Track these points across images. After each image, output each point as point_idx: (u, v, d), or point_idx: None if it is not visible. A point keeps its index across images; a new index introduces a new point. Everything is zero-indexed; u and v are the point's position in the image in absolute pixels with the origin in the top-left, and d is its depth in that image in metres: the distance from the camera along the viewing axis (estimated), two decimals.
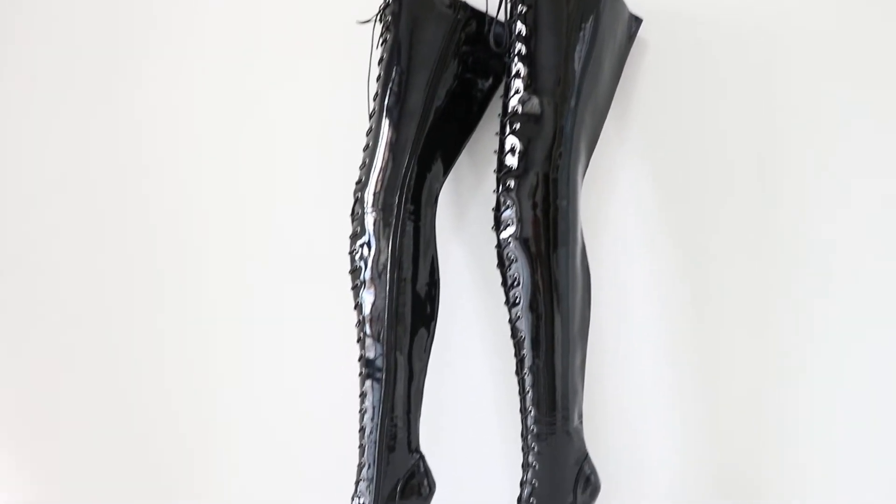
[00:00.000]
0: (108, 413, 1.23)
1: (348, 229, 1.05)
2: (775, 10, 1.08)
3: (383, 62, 1.05)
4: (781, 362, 1.10)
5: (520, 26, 0.98)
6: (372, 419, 1.02)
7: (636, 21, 1.06)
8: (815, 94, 1.08)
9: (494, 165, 0.99)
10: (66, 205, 1.24)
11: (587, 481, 1.01)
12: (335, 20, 1.15)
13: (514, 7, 0.99)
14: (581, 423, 1.02)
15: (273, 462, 1.19)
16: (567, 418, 1.00)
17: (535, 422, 0.99)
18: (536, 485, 0.99)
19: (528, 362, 0.99)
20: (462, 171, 1.13)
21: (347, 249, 1.04)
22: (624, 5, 1.04)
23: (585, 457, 1.02)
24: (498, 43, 1.01)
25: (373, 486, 1.02)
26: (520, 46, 0.98)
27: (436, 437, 1.11)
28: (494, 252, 0.99)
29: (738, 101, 1.09)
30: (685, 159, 1.10)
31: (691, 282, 1.11)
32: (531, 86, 0.98)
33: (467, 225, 1.14)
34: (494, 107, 1.06)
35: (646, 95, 1.10)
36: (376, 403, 1.02)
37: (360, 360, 1.04)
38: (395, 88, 1.04)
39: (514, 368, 1.00)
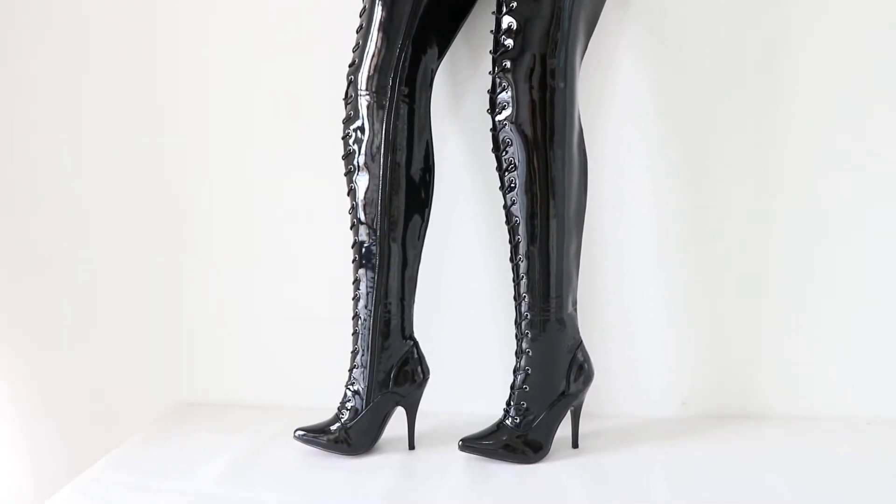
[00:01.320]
0: (107, 295, 1.22)
1: (342, 113, 1.03)
2: None
3: None
4: (781, 263, 1.09)
5: None
6: (365, 306, 1.02)
7: None
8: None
9: (491, 46, 0.97)
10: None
11: (580, 368, 1.01)
12: None
13: None
14: (575, 310, 1.01)
15: (268, 350, 1.20)
16: (561, 305, 0.99)
17: (529, 308, 0.99)
18: (529, 371, 0.99)
19: (522, 248, 0.98)
20: (458, 52, 1.09)
21: (340, 134, 1.03)
22: None
23: (579, 344, 1.01)
24: None
25: (366, 373, 1.02)
26: None
27: (430, 324, 1.10)
28: (490, 136, 0.98)
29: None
30: (686, 46, 1.07)
31: (689, 170, 1.09)
32: None
33: (463, 108, 1.11)
34: None
35: None
36: (369, 290, 1.02)
37: (353, 246, 1.03)
38: None
39: (508, 255, 1.00)
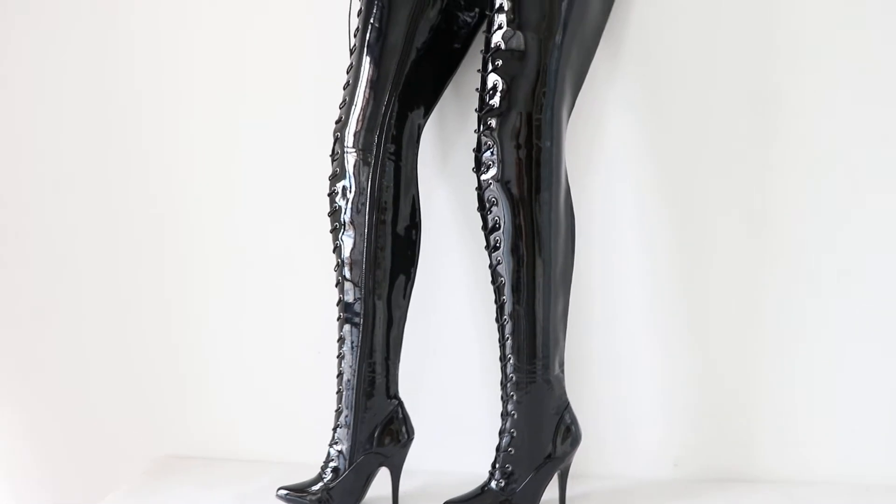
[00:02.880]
0: (95, 345, 1.22)
1: (328, 170, 1.02)
2: None
3: None
4: (775, 320, 1.07)
5: None
6: (350, 364, 1.01)
7: None
8: (815, 35, 1.03)
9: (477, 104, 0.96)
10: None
11: (567, 430, 0.99)
12: None
13: None
14: (563, 371, 0.99)
15: (251, 408, 1.18)
16: (547, 366, 0.97)
17: (515, 370, 0.97)
18: (515, 434, 0.97)
19: (507, 309, 0.96)
20: (446, 109, 1.08)
21: (327, 191, 1.02)
22: None
23: (566, 406, 0.99)
24: None
25: (350, 432, 1.00)
26: None
27: (415, 383, 1.09)
28: (471, 190, 0.96)
29: (734, 41, 1.04)
30: (676, 101, 1.05)
31: (680, 227, 1.07)
32: (515, 20, 0.93)
33: (450, 166, 1.10)
34: (479, 42, 1.01)
35: (637, 33, 1.04)
36: (354, 348, 1.00)
37: (338, 304, 1.01)
38: (376, 23, 1.00)
39: (494, 315, 0.98)
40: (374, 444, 1.01)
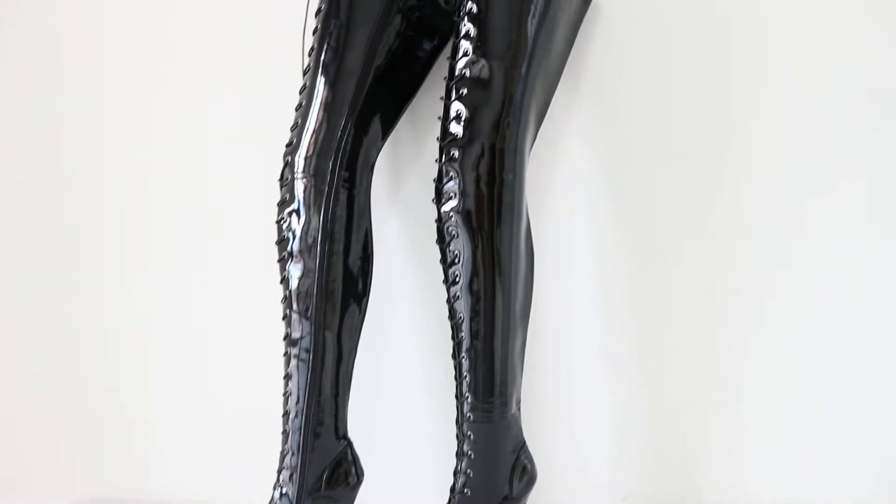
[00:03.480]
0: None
1: (276, 196, 0.97)
2: None
3: (321, 14, 0.96)
4: (722, 353, 1.07)
5: None
6: (297, 403, 0.95)
7: None
8: (773, 65, 1.04)
9: (437, 132, 0.92)
10: None
11: (524, 470, 0.96)
12: None
13: None
14: (519, 409, 0.97)
15: (191, 449, 1.11)
16: (505, 404, 0.94)
17: (472, 408, 0.93)
18: (471, 474, 0.93)
19: (465, 345, 0.93)
20: (401, 136, 1.05)
21: (274, 218, 0.96)
22: None
23: (523, 445, 0.96)
24: (447, 0, 0.94)
25: (297, 475, 0.94)
26: (470, 5, 0.91)
27: (365, 422, 1.04)
28: (433, 226, 0.93)
29: (694, 74, 1.04)
30: (636, 135, 1.05)
31: (636, 265, 1.06)
32: (480, 48, 0.90)
33: (404, 195, 1.07)
34: (438, 69, 0.98)
35: (598, 65, 1.04)
36: (302, 386, 0.95)
37: (284, 339, 0.95)
38: (333, 44, 0.95)
39: (450, 351, 0.95)
40: (323, 487, 0.95)
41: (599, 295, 1.07)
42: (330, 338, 0.95)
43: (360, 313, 0.98)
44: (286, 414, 0.95)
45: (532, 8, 0.91)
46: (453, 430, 0.95)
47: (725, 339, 1.07)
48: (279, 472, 0.95)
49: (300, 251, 0.95)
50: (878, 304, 1.04)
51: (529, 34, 0.91)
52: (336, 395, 0.96)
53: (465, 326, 0.93)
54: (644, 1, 1.03)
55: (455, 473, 0.94)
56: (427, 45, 1.00)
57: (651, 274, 1.07)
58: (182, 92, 1.10)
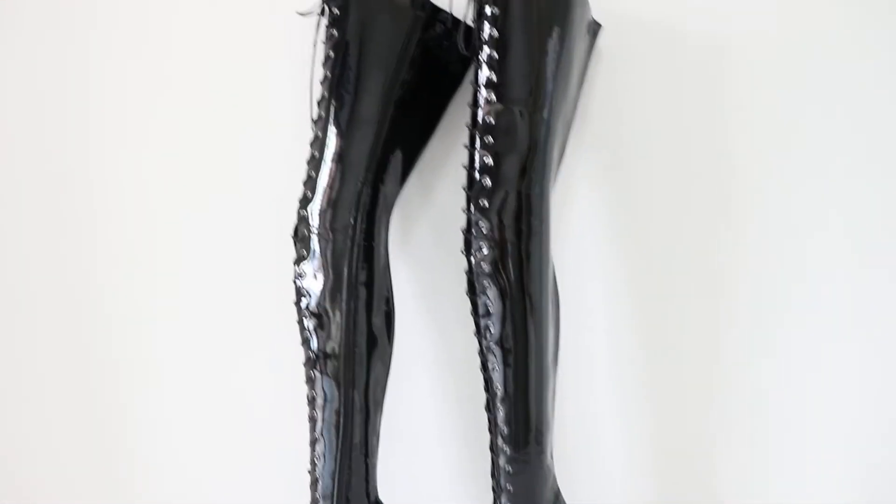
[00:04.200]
0: None
1: (289, 253, 0.92)
2: (727, 16, 1.05)
3: (329, 62, 0.92)
4: (735, 372, 1.07)
5: (489, 29, 0.89)
6: (325, 467, 0.90)
7: (597, 25, 1.00)
8: (769, 106, 1.05)
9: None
10: None
11: None
12: (270, 10, 1.01)
13: (482, 8, 0.90)
14: (552, 457, 0.95)
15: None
16: (541, 453, 0.92)
17: (510, 460, 0.91)
18: None
19: (500, 396, 0.91)
20: (411, 181, 1.02)
21: (291, 276, 0.92)
22: (589, 7, 0.97)
23: (558, 493, 0.95)
24: (466, 46, 0.92)
25: None
26: (489, 52, 0.89)
27: (395, 483, 1.00)
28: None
29: (695, 114, 1.05)
30: (642, 175, 1.05)
31: (645, 295, 1.06)
32: (503, 95, 0.89)
33: (413, 242, 1.03)
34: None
35: (603, 106, 1.03)
36: (332, 451, 0.90)
37: (310, 402, 0.91)
38: (345, 93, 0.91)
39: (476, 401, 0.92)
40: None
41: (611, 338, 1.06)
42: (358, 398, 0.92)
43: (385, 370, 0.94)
44: (315, 482, 0.91)
45: (549, 52, 0.90)
46: (486, 483, 0.93)
47: (735, 375, 1.07)
48: None
49: (323, 310, 0.91)
50: (883, 310, 1.06)
51: (548, 78, 0.91)
52: (366, 456, 0.92)
53: (499, 377, 0.90)
54: (641, 43, 1.03)
55: None
56: (442, 89, 0.98)
57: (660, 304, 1.06)
58: (185, 147, 1.05)
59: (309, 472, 0.91)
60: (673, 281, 1.07)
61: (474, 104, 0.90)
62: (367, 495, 0.92)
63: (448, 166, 1.02)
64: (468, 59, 0.97)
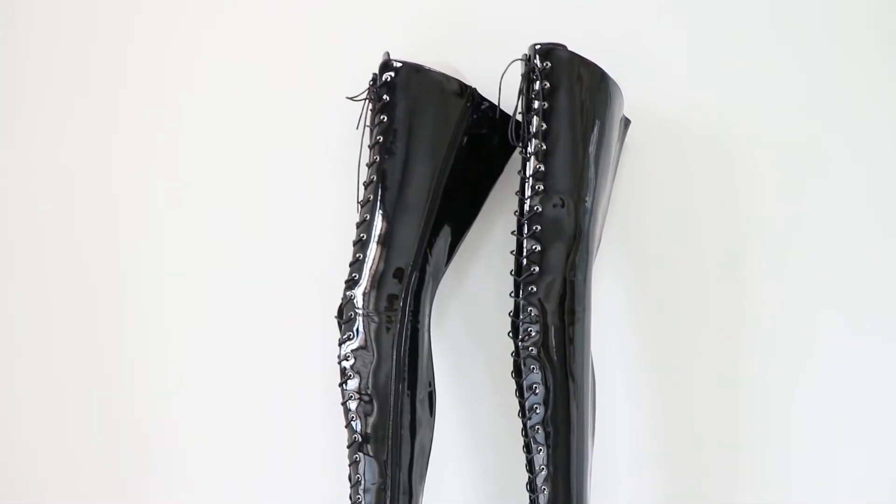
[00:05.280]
0: None
1: (333, 333, 0.93)
2: (743, 117, 1.12)
3: (378, 146, 0.94)
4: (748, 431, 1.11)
5: (537, 122, 0.93)
6: None
7: (627, 121, 1.06)
8: (780, 200, 1.12)
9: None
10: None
11: None
12: (318, 92, 1.03)
13: (530, 102, 0.94)
14: None
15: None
16: None
17: None
18: None
19: (544, 476, 0.93)
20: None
21: (336, 358, 0.92)
22: (623, 102, 1.02)
23: None
24: (516, 137, 0.95)
25: None
26: (537, 144, 0.93)
27: None
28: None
29: (709, 205, 1.11)
30: (662, 263, 1.10)
31: (666, 395, 1.10)
32: (550, 185, 0.93)
33: (450, 324, 1.06)
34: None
35: (623, 201, 1.09)
36: None
37: (353, 484, 0.91)
38: (393, 178, 0.93)
39: (517, 482, 0.94)
40: None
41: (630, 416, 1.09)
42: (403, 479, 0.92)
43: (428, 450, 0.95)
44: None
45: (591, 143, 0.95)
46: None
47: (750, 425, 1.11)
48: None
49: (371, 393, 0.91)
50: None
51: (591, 169, 0.95)
52: None
53: (544, 458, 0.93)
54: (661, 138, 1.10)
55: None
56: (484, 179, 1.01)
57: (682, 408, 1.10)
58: (236, 225, 1.06)
59: None
60: (690, 352, 1.11)
61: (522, 193, 0.93)
62: None
63: (480, 252, 1.06)
64: (510, 149, 1.01)
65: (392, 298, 0.93)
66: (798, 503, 1.13)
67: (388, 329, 0.92)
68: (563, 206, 0.93)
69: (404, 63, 0.95)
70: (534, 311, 0.92)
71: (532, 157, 0.94)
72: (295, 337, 1.04)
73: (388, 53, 0.96)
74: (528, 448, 0.94)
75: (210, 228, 1.06)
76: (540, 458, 0.93)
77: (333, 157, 1.02)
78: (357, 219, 0.95)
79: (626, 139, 1.06)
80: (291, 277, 1.05)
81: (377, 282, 0.93)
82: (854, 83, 1.11)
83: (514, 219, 0.94)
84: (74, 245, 1.08)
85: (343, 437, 0.92)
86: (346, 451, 0.92)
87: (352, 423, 0.92)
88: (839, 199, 1.11)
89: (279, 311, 1.04)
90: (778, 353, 1.10)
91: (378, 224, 0.94)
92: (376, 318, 0.92)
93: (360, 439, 0.91)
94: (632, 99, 1.02)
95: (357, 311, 0.92)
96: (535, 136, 0.93)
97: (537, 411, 0.93)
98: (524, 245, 0.93)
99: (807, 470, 1.11)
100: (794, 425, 1.10)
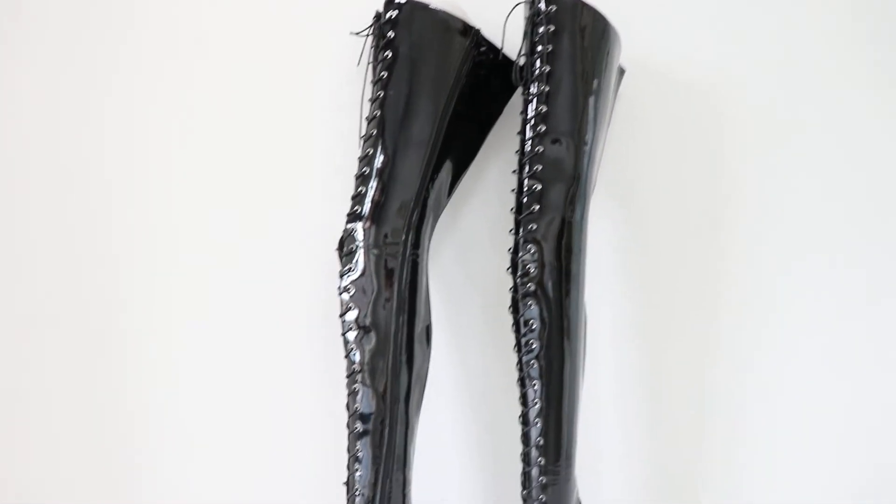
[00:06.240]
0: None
1: (333, 266, 0.94)
2: (730, 66, 1.15)
3: (381, 82, 0.95)
4: (724, 371, 1.15)
5: (540, 65, 0.95)
6: (370, 481, 0.92)
7: (622, 70, 1.08)
8: (763, 151, 1.17)
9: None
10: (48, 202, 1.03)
11: None
12: (322, 26, 1.02)
13: (534, 45, 0.95)
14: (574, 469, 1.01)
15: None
16: (570, 466, 0.98)
17: (543, 472, 0.96)
18: None
19: (537, 410, 0.95)
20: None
21: (337, 289, 0.93)
22: (621, 50, 1.04)
23: (579, 502, 1.01)
24: (520, 77, 0.97)
25: None
26: (542, 87, 0.95)
27: (425, 493, 1.03)
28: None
29: (697, 154, 1.15)
30: (650, 208, 1.13)
31: (649, 325, 1.15)
32: (552, 126, 0.95)
33: (444, 259, 1.07)
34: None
35: (617, 142, 1.12)
36: (376, 465, 0.91)
37: (353, 416, 0.92)
38: (397, 113, 0.94)
39: (509, 416, 0.96)
40: None
41: (613, 341, 1.12)
42: (400, 409, 0.94)
43: (424, 381, 0.97)
44: (356, 496, 0.92)
45: (592, 87, 0.97)
46: (509, 499, 0.97)
47: (725, 389, 1.16)
48: None
49: (371, 323, 0.92)
50: (879, 314, 1.17)
51: (591, 111, 0.97)
52: (404, 468, 0.94)
53: (538, 392, 0.95)
54: (655, 90, 1.12)
55: None
56: (488, 112, 1.03)
57: (662, 337, 1.15)
58: (230, 156, 1.04)
59: (345, 483, 0.92)
60: (674, 292, 1.15)
61: (524, 133, 0.95)
62: None
63: (475, 192, 1.07)
64: (510, 91, 1.03)
65: (393, 232, 0.94)
66: (780, 427, 1.18)
67: (388, 262, 0.93)
68: (563, 146, 0.95)
69: (409, 0, 0.96)
70: (533, 249, 0.94)
71: (534, 99, 0.95)
72: (296, 272, 1.04)
73: None
74: (522, 382, 0.96)
75: (213, 168, 1.05)
76: (533, 391, 0.96)
77: (335, 94, 1.02)
78: (359, 153, 0.96)
79: (620, 89, 1.08)
80: (296, 213, 1.05)
81: (379, 215, 0.94)
82: (842, 39, 1.15)
83: (508, 160, 0.95)
84: (65, 234, 1.06)
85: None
86: (345, 381, 0.93)
87: (350, 353, 0.93)
88: (822, 153, 1.15)
89: (282, 254, 1.05)
90: (759, 293, 1.15)
91: (381, 158, 0.94)
92: (377, 251, 0.93)
93: (359, 370, 0.92)
94: (627, 48, 1.05)
95: (358, 243, 0.93)
96: (538, 78, 0.95)
97: (533, 346, 0.95)
98: (525, 184, 0.95)
99: (783, 394, 1.16)
100: (774, 356, 1.15)
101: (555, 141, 0.95)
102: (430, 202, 0.97)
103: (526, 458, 0.97)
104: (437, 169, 0.97)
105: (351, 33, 0.97)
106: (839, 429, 1.17)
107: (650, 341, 1.15)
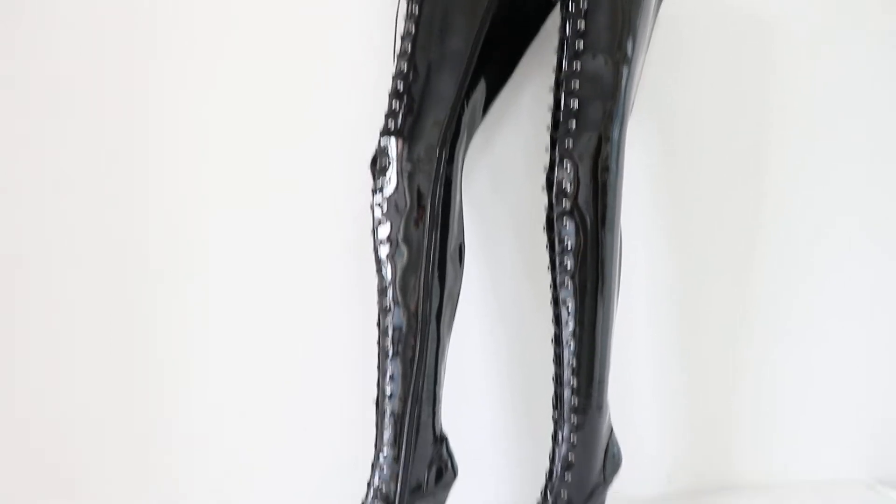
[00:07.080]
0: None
1: (365, 186, 0.93)
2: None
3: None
4: (756, 328, 1.15)
5: None
6: (401, 398, 0.91)
7: None
8: (809, 90, 1.13)
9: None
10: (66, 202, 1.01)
11: (613, 456, 0.99)
12: None
13: None
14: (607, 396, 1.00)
15: (277, 458, 1.05)
16: (602, 391, 0.97)
17: (576, 392, 0.95)
18: (573, 459, 0.95)
19: (570, 330, 0.94)
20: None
21: (369, 203, 0.92)
22: None
23: (612, 431, 1.00)
24: None
25: (399, 473, 0.91)
26: (581, 3, 0.93)
27: (450, 417, 1.02)
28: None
29: (734, 91, 1.12)
30: (683, 148, 1.11)
31: (679, 258, 1.13)
32: (591, 43, 0.92)
33: (477, 180, 1.06)
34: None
35: (656, 67, 1.09)
36: (407, 382, 0.91)
37: (383, 332, 0.92)
38: (433, 29, 0.92)
39: (540, 341, 0.95)
40: (423, 485, 0.93)
41: (648, 289, 1.12)
42: (433, 330, 0.93)
43: (457, 298, 0.96)
44: (388, 414, 0.91)
45: (633, 5, 0.95)
46: (539, 416, 0.96)
47: (762, 327, 1.15)
48: (378, 468, 0.91)
49: (405, 239, 0.91)
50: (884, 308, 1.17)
51: (630, 30, 0.95)
52: (435, 385, 0.94)
53: (572, 312, 0.94)
54: (695, 14, 1.09)
55: (552, 459, 0.95)
56: (522, 34, 1.01)
57: (693, 268, 1.13)
58: (263, 74, 1.03)
59: (375, 401, 0.92)
60: (711, 226, 1.13)
61: (561, 50, 0.93)
62: (433, 427, 0.94)
63: (508, 112, 1.06)
64: (546, 12, 1.01)
65: (427, 148, 0.92)
66: (815, 369, 1.16)
67: (422, 178, 0.92)
68: (603, 63, 0.93)
69: None
70: (569, 166, 0.93)
71: (573, 16, 0.93)
72: (328, 188, 1.03)
73: None
74: (555, 302, 0.95)
75: (250, 83, 1.04)
76: (566, 311, 0.94)
77: (368, 11, 1.01)
78: (393, 71, 0.95)
79: (662, 8, 1.06)
80: (327, 136, 1.04)
81: (413, 131, 0.92)
82: None
83: (543, 82, 0.94)
84: (90, 225, 1.03)
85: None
86: (376, 296, 0.93)
87: (381, 270, 0.92)
88: (865, 81, 1.12)
89: (314, 176, 1.04)
90: (796, 227, 1.13)
91: (415, 74, 0.93)
92: (410, 167, 0.92)
93: (390, 287, 0.92)
94: None
95: (391, 159, 0.92)
96: None
97: (567, 265, 0.94)
98: (562, 101, 0.93)
99: (819, 334, 1.14)
100: (806, 294, 1.14)
101: (594, 57, 0.93)
102: (465, 119, 0.96)
103: (558, 379, 0.96)
104: (471, 87, 0.96)
105: None
106: (870, 380, 1.16)
107: (684, 274, 1.13)
